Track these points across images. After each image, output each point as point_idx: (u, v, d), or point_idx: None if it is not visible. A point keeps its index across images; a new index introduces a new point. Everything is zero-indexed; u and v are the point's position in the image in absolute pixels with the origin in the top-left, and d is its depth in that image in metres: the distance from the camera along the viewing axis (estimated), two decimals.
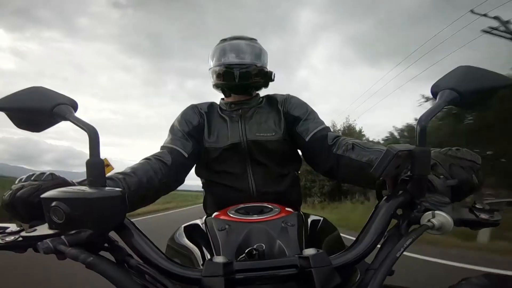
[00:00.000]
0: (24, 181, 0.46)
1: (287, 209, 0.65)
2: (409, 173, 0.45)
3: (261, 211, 0.63)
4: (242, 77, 0.87)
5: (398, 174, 0.47)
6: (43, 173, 0.48)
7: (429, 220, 0.40)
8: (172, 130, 0.89)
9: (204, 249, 0.56)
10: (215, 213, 0.66)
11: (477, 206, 0.46)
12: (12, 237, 0.38)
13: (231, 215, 0.60)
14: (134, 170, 0.71)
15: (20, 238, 0.38)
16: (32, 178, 0.47)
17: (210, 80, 0.96)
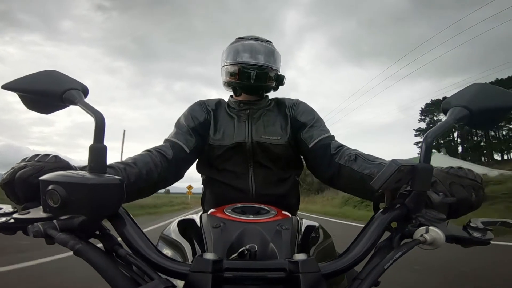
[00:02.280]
0: (28, 161, 0.46)
1: (283, 212, 0.65)
2: (408, 187, 0.45)
3: (257, 212, 0.63)
4: (258, 78, 0.88)
5: (398, 188, 0.47)
6: (47, 155, 0.48)
7: (421, 235, 0.40)
8: (178, 124, 0.90)
9: (196, 244, 0.56)
10: (211, 210, 0.66)
11: (471, 224, 0.46)
12: (4, 219, 0.38)
13: (227, 214, 0.60)
14: (135, 161, 0.71)
15: (12, 220, 0.38)
16: (36, 159, 0.47)
17: (222, 77, 0.96)
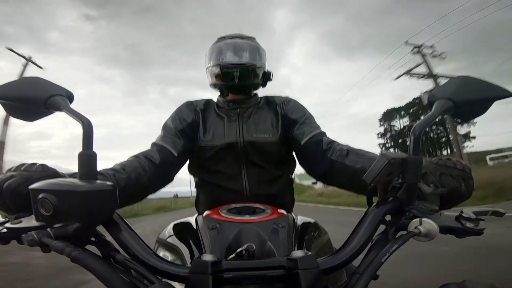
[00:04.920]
0: (14, 171, 0.45)
1: (279, 210, 0.65)
2: (400, 180, 0.46)
3: (253, 211, 0.63)
4: (242, 77, 0.86)
5: (390, 181, 0.48)
6: (34, 164, 0.47)
7: (416, 227, 0.41)
8: (165, 127, 0.87)
9: (193, 247, 0.56)
10: (207, 212, 0.66)
11: (463, 215, 0.46)
12: None
13: (223, 215, 0.60)
14: (124, 166, 0.70)
15: (4, 230, 0.37)
16: (22, 168, 0.45)
17: (207, 79, 0.94)
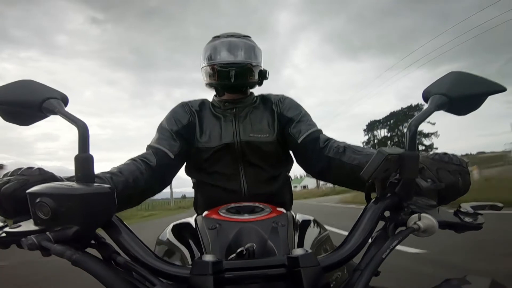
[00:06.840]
0: (10, 175, 0.45)
1: (278, 209, 0.65)
2: (397, 176, 0.46)
3: (252, 210, 0.63)
4: (238, 76, 0.85)
5: (387, 177, 0.48)
6: (30, 168, 0.46)
7: (415, 223, 0.41)
8: (160, 129, 0.86)
9: (193, 247, 0.56)
10: (206, 212, 0.66)
11: (461, 209, 0.47)
12: None
13: (222, 214, 0.60)
14: (121, 169, 0.69)
15: (4, 234, 0.37)
16: (19, 173, 0.45)
17: (203, 79, 0.93)
